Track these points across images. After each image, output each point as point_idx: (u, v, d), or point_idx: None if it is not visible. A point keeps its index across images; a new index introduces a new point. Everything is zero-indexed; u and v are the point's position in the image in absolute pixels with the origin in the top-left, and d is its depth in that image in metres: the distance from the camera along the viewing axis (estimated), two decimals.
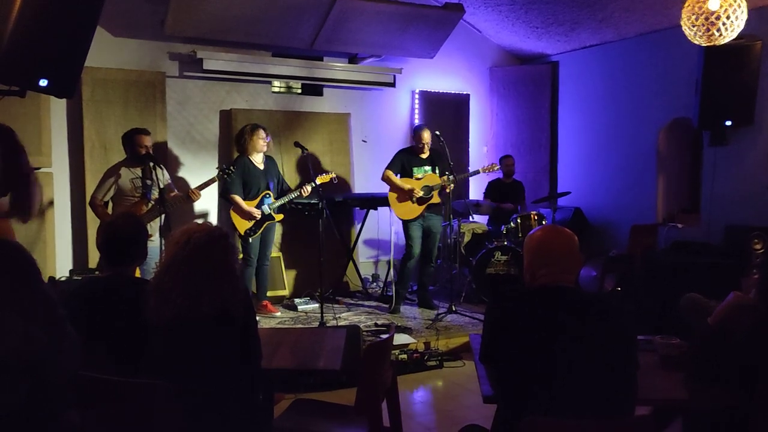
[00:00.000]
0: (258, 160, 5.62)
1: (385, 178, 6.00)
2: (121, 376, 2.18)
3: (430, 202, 5.93)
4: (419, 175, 5.96)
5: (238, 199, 5.48)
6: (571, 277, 2.13)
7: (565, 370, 1.97)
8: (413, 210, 5.95)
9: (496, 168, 6.26)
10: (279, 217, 5.68)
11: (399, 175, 6.00)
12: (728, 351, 2.32)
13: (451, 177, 5.83)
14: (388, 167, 6.02)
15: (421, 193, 5.86)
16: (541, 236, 2.19)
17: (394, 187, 5.97)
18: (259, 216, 5.53)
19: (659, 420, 2.76)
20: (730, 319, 2.41)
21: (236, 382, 2.27)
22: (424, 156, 6.01)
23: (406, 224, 6.01)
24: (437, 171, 6.01)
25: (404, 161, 5.99)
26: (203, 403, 2.19)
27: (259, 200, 5.56)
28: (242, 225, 5.51)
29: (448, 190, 5.89)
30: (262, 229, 5.58)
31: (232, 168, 5.30)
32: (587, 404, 1.97)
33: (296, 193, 5.62)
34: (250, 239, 5.52)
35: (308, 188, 5.58)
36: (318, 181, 5.57)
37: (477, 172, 6.22)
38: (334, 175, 5.84)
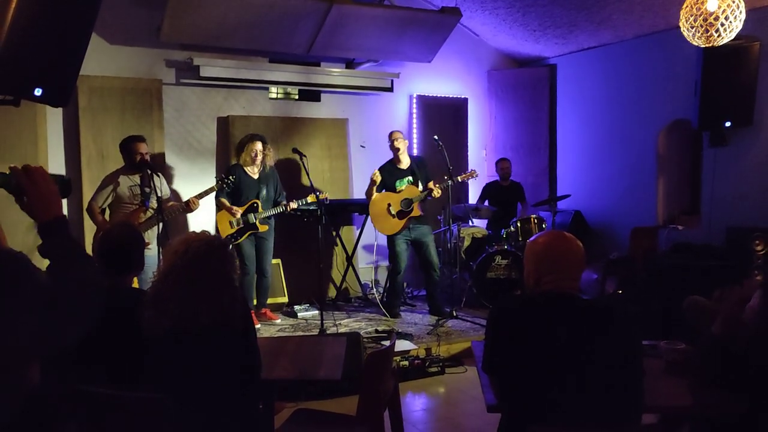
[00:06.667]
0: (252, 170, 5.58)
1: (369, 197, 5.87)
2: (118, 388, 2.15)
3: (411, 215, 5.80)
4: (401, 188, 5.85)
5: (223, 200, 5.47)
6: (576, 284, 2.10)
7: (570, 378, 1.94)
8: (395, 225, 5.83)
9: (475, 175, 6.04)
10: (263, 228, 5.56)
11: (383, 190, 5.84)
12: (734, 356, 2.29)
13: (437, 186, 5.73)
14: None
15: (399, 208, 5.75)
16: (548, 242, 2.16)
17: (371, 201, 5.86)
18: (238, 215, 5.47)
19: (667, 427, 2.72)
20: (736, 324, 2.38)
21: (236, 392, 2.24)
22: (404, 167, 5.89)
23: (390, 239, 5.91)
24: (418, 181, 5.85)
25: (384, 177, 5.83)
26: (202, 415, 2.16)
27: (246, 209, 5.52)
28: (225, 230, 5.45)
29: (436, 195, 5.75)
30: (244, 237, 5.49)
31: (231, 177, 5.28)
32: (593, 412, 1.94)
33: (282, 209, 5.57)
34: (243, 249, 5.47)
35: (294, 205, 5.57)
36: (309, 200, 5.53)
37: (456, 181, 5.81)
38: (325, 197, 5.58)
